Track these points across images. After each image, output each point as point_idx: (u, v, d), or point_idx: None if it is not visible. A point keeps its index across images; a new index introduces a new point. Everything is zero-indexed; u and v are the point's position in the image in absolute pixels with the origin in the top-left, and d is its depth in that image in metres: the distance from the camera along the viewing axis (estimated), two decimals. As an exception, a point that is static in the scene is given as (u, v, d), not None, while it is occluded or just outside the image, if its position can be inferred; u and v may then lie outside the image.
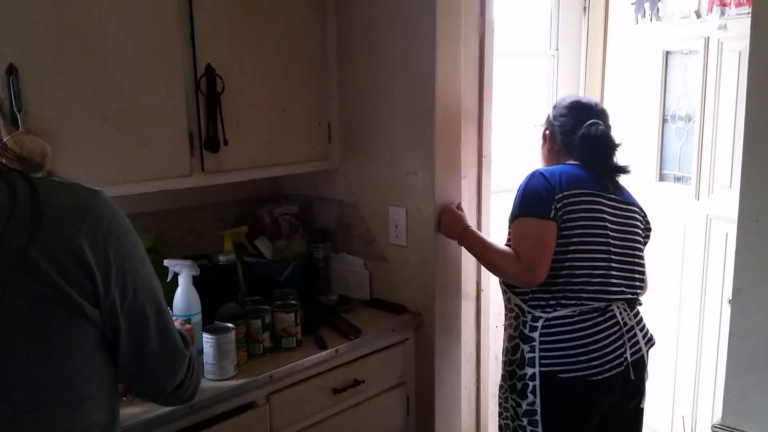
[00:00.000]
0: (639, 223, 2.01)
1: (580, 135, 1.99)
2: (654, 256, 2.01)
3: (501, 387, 2.03)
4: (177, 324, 1.19)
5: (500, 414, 2.06)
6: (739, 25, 2.45)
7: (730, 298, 1.51)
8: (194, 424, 1.69)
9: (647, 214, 2.06)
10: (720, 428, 1.52)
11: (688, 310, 2.77)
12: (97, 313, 0.98)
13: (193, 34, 1.88)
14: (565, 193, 1.88)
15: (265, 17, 2.06)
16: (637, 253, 1.98)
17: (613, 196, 1.96)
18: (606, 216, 1.92)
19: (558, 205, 1.86)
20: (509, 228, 1.96)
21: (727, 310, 2.45)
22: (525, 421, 1.92)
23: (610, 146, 1.99)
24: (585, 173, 1.95)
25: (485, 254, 2.02)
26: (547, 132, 2.10)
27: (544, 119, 2.14)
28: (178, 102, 1.87)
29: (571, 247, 1.87)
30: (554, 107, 2.12)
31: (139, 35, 1.78)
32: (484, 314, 2.62)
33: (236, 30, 1.99)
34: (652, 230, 2.08)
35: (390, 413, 2.24)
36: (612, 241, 1.91)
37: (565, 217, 1.87)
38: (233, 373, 1.80)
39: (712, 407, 2.65)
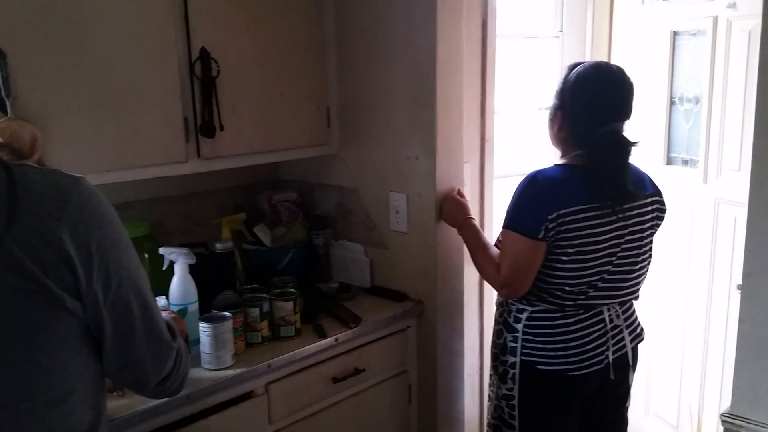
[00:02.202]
0: (648, 221, 1.87)
1: (594, 142, 1.78)
2: (661, 241, 1.96)
3: (490, 362, 2.03)
4: (164, 315, 1.15)
5: (489, 384, 2.07)
6: (749, 4, 2.38)
7: (739, 283, 1.47)
8: (191, 415, 1.67)
9: (661, 193, 1.93)
10: (728, 417, 1.49)
11: (696, 296, 2.73)
12: (78, 305, 0.94)
13: (186, 16, 1.83)
14: (561, 212, 1.73)
15: (261, -2, 2.01)
16: (640, 255, 1.86)
17: (618, 209, 1.78)
18: (606, 229, 1.78)
19: (551, 225, 1.73)
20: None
21: (735, 296, 2.40)
22: (504, 403, 1.94)
23: (623, 158, 1.80)
24: (588, 181, 1.77)
25: (476, 253, 1.97)
26: (558, 111, 1.85)
27: (558, 87, 1.86)
28: (171, 86, 1.83)
29: (559, 265, 1.78)
30: (570, 75, 1.83)
31: (131, 17, 1.73)
32: (487, 301, 2.58)
33: (231, 11, 1.94)
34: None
35: (391, 402, 2.21)
36: (609, 255, 1.80)
37: (559, 236, 1.75)
38: (231, 363, 1.77)
39: (719, 396, 2.61)
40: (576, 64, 1.87)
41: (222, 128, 1.92)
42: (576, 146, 1.84)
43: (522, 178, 1.84)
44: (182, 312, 1.79)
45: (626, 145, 1.81)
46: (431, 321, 2.21)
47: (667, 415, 2.93)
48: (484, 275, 1.97)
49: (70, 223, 0.92)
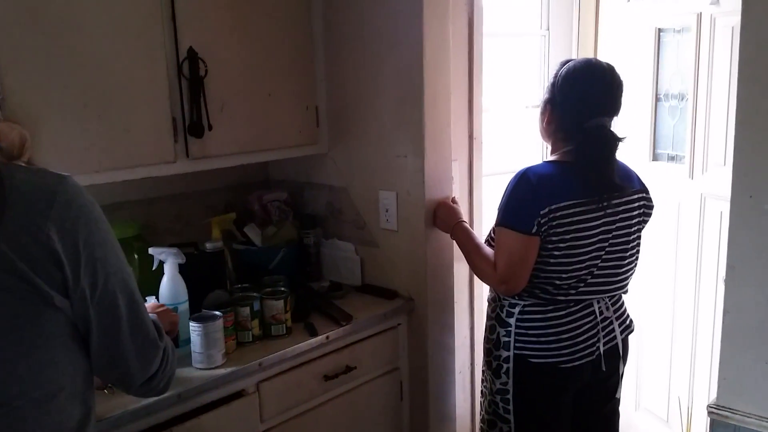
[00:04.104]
0: (635, 216, 1.90)
1: (581, 137, 1.81)
2: (648, 236, 1.98)
3: (483, 357, 2.05)
4: (152, 315, 1.15)
5: (482, 381, 2.08)
6: (732, 0, 2.41)
7: (725, 277, 1.48)
8: (182, 414, 1.67)
9: (648, 190, 1.96)
10: (715, 408, 1.50)
11: (683, 289, 2.75)
12: (66, 303, 0.95)
13: (174, 16, 1.84)
14: (552, 207, 1.76)
15: (248, -2, 2.01)
16: (628, 250, 1.89)
17: (605, 204, 1.81)
18: (594, 224, 1.81)
19: (543, 221, 1.76)
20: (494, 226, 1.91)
21: (722, 289, 2.42)
22: (498, 398, 1.95)
23: (610, 152, 1.82)
24: (577, 177, 1.80)
25: (470, 254, 2.00)
26: (548, 105, 1.89)
27: (549, 81, 1.90)
28: (160, 86, 1.83)
29: (552, 260, 1.81)
30: (561, 69, 1.87)
31: (118, 17, 1.74)
32: (478, 298, 2.59)
33: (219, 11, 1.94)
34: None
35: (383, 399, 2.22)
36: (598, 250, 1.83)
37: (551, 231, 1.77)
38: (221, 362, 1.77)
39: (708, 388, 2.64)
40: (567, 60, 1.90)
41: (210, 128, 1.93)
42: (564, 141, 1.87)
43: (511, 175, 1.87)
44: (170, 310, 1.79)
45: (613, 140, 1.83)
46: (422, 318, 2.22)
47: (657, 410, 2.95)
48: (481, 274, 1.98)
49: (58, 221, 0.93)
